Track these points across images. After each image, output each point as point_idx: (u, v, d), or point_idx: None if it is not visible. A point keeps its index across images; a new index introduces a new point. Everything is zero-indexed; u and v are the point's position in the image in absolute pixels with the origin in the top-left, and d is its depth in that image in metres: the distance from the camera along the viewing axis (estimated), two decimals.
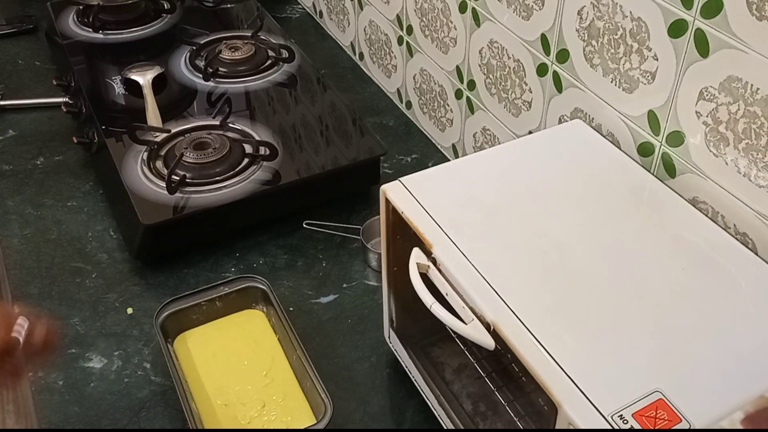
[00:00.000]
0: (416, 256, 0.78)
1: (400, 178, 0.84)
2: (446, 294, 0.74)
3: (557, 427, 0.63)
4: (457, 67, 1.25)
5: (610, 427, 0.60)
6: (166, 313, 1.00)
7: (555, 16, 1.00)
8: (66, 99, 1.37)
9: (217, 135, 1.22)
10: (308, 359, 0.94)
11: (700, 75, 0.82)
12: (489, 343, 0.69)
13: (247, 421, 0.92)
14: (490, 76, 1.18)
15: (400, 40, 1.41)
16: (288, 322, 0.99)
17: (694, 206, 0.81)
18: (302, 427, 0.88)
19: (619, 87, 0.93)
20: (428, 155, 1.37)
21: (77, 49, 1.48)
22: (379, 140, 1.24)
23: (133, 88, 1.34)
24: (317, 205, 1.22)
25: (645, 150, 0.92)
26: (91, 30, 1.52)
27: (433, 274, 0.76)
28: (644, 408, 0.61)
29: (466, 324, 0.70)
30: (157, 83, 1.35)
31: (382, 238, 0.88)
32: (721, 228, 0.78)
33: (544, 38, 1.03)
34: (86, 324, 1.04)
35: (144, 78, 1.34)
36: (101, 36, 1.52)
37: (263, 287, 1.04)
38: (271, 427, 0.91)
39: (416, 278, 0.76)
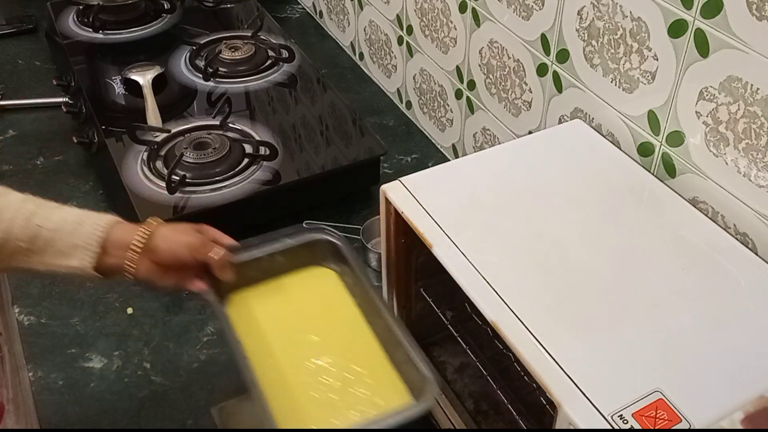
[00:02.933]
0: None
1: (400, 178, 0.84)
2: None
3: (557, 427, 0.63)
4: (457, 67, 1.25)
5: (610, 427, 0.60)
6: None
7: (555, 16, 1.00)
8: (66, 99, 1.37)
9: (217, 135, 1.22)
10: (401, 326, 0.77)
11: (700, 75, 0.82)
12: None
13: (326, 401, 0.74)
14: (490, 76, 1.18)
15: (400, 40, 1.41)
16: (370, 283, 0.82)
17: (694, 206, 0.81)
18: (399, 406, 0.71)
19: (619, 87, 0.93)
20: (428, 155, 1.37)
21: (77, 49, 1.48)
22: (379, 140, 1.24)
23: (133, 88, 1.34)
24: (317, 205, 1.22)
25: (645, 150, 0.92)
26: (91, 30, 1.52)
27: None
28: (644, 408, 0.61)
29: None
30: (157, 83, 1.35)
31: (382, 238, 0.88)
32: (721, 228, 0.78)
33: (544, 38, 1.03)
34: (86, 324, 1.04)
35: (144, 78, 1.34)
36: (101, 36, 1.52)
37: (335, 240, 0.86)
38: (360, 407, 0.73)
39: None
